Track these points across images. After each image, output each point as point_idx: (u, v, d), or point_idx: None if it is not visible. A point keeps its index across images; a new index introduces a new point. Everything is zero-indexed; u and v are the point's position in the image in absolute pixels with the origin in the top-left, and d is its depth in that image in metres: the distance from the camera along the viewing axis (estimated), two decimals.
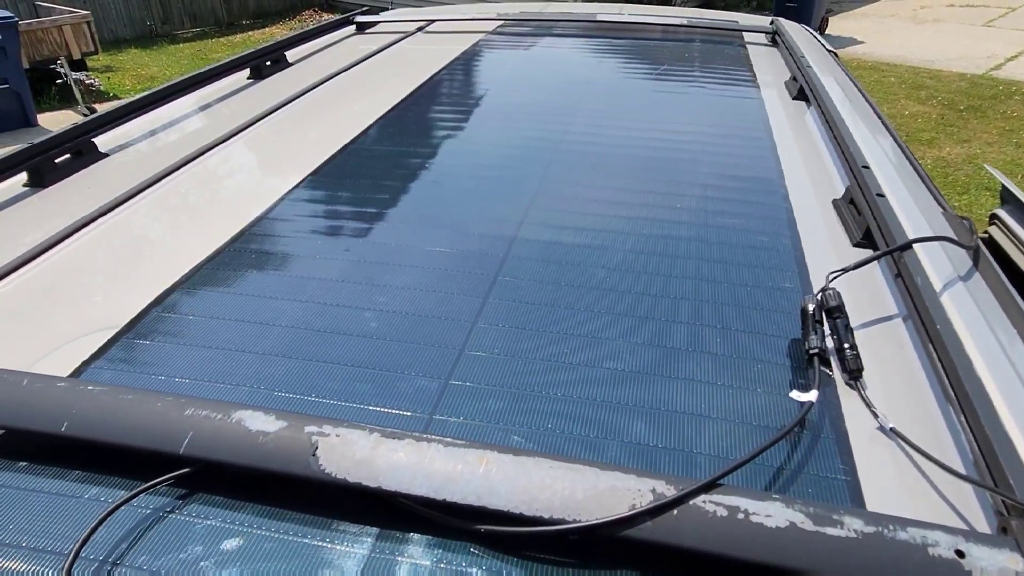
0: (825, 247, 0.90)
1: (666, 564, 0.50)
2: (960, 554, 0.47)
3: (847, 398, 0.66)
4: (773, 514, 0.49)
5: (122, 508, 0.53)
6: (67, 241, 0.93)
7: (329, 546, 0.52)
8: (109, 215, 0.99)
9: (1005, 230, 1.15)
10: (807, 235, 0.93)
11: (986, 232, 1.21)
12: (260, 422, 0.56)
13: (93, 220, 0.97)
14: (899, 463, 0.60)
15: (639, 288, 0.82)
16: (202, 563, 0.50)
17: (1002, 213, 1.17)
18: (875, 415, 0.64)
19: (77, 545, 0.48)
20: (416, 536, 0.52)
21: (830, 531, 0.48)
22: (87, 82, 5.58)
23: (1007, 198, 1.17)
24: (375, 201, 1.00)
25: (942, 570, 0.46)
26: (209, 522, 0.53)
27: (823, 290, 0.73)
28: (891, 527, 0.48)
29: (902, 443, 0.61)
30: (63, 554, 0.49)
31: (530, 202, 1.01)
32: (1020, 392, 0.66)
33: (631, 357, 0.71)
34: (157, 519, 0.53)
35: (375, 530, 0.53)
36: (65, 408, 0.57)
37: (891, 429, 0.62)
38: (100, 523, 0.51)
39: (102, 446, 0.56)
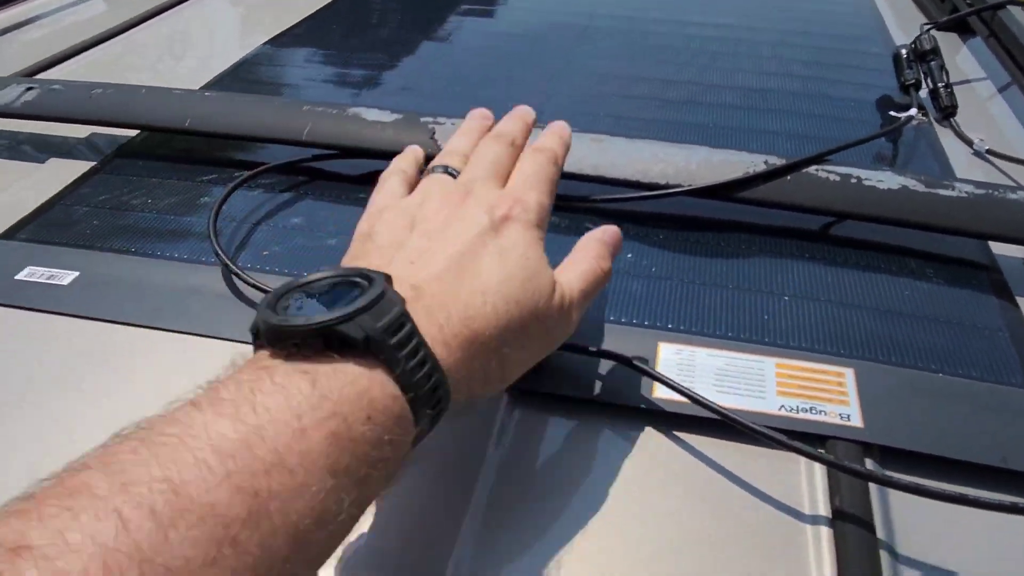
0: (913, 25, 0.89)
1: (780, 223, 0.52)
2: None
3: (943, 133, 0.67)
4: (885, 180, 0.51)
5: (249, 185, 0.56)
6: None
7: None
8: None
9: None
10: (889, 20, 0.91)
11: None
12: (376, 115, 0.57)
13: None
14: (994, 174, 0.61)
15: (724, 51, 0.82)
16: (329, 224, 0.53)
17: None
18: (970, 143, 0.64)
19: (217, 204, 0.51)
20: None
21: (942, 192, 0.50)
22: None
23: None
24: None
25: None
26: (326, 201, 0.56)
27: (916, 37, 0.72)
28: (1000, 191, 0.50)
29: (998, 159, 0.62)
30: (203, 217, 0.51)
31: None
32: None
33: (729, 94, 0.72)
34: (278, 196, 0.56)
35: None
36: (188, 109, 0.59)
37: (987, 151, 0.63)
38: (235, 188, 0.53)
39: (225, 136, 0.59)
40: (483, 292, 0.30)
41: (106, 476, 0.19)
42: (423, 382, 0.26)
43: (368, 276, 0.27)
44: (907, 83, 0.68)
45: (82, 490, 0.19)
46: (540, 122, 0.43)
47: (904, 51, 0.71)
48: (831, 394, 0.40)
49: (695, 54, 0.82)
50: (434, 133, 0.55)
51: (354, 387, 0.24)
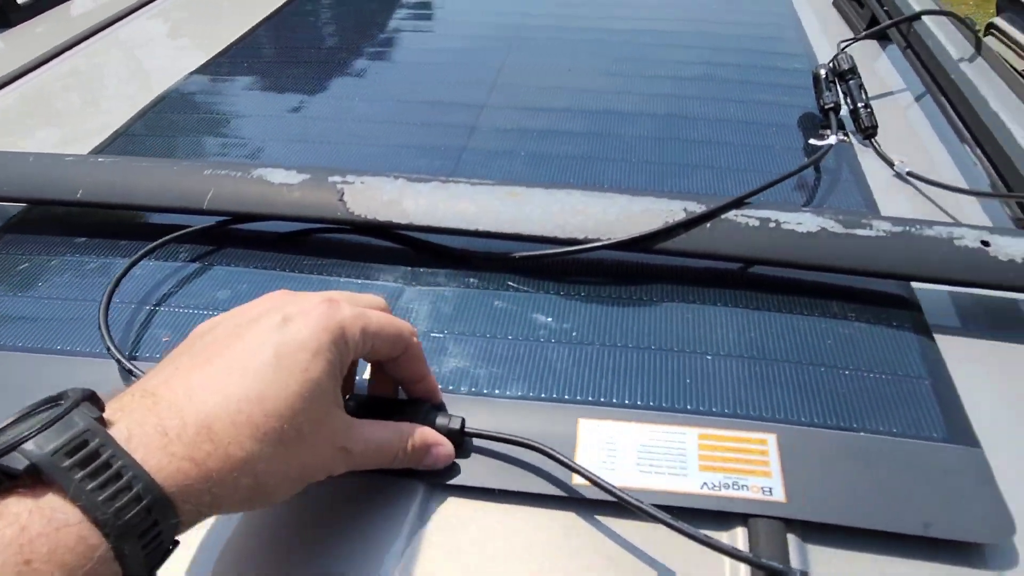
0: (832, 38, 0.89)
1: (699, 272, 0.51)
2: (986, 244, 0.48)
3: (863, 153, 0.67)
4: (804, 222, 0.50)
5: (150, 257, 0.53)
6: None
7: (356, 287, 0.52)
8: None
9: (1003, 37, 1.14)
10: (811, 29, 0.92)
11: None
12: (282, 176, 0.55)
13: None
14: (916, 198, 0.61)
15: (648, 71, 0.81)
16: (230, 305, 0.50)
17: (999, 21, 1.16)
18: (891, 164, 0.64)
19: (110, 287, 0.48)
20: (450, 272, 0.52)
21: (860, 232, 0.49)
22: None
23: (1003, 6, 1.16)
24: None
25: (970, 257, 0.48)
26: (235, 268, 0.53)
27: (835, 56, 0.72)
28: (918, 227, 0.50)
29: (918, 182, 0.62)
30: (96, 300, 0.48)
31: None
32: None
33: (650, 123, 0.71)
34: (183, 267, 0.53)
35: (405, 269, 0.53)
36: (79, 178, 0.56)
37: (908, 173, 0.63)
38: (131, 266, 0.50)
39: (121, 208, 0.55)
40: (237, 398, 0.27)
41: None
42: (124, 506, 0.24)
43: (62, 396, 0.25)
44: (826, 107, 0.67)
45: None
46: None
47: (823, 71, 0.71)
48: (754, 464, 0.39)
49: (613, 78, 0.81)
50: (343, 194, 0.53)
51: (11, 527, 0.22)
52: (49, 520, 0.22)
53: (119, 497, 0.24)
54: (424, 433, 0.36)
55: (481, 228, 0.51)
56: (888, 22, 0.79)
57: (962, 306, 0.50)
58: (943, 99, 0.68)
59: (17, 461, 0.22)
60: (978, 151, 0.60)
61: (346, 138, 0.70)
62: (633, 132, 0.70)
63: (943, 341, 0.47)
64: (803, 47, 0.86)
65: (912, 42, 0.78)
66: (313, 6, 1.05)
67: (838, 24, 0.95)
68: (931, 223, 0.50)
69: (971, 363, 0.46)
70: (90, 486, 0.23)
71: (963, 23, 0.87)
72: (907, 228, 0.49)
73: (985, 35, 1.19)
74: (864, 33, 0.77)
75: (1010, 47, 1.12)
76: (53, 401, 0.25)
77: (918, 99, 0.75)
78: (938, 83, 0.70)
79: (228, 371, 0.28)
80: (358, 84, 0.81)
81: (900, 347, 0.46)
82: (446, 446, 0.37)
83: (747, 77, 0.79)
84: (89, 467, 0.23)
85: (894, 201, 0.60)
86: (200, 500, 0.26)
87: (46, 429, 0.23)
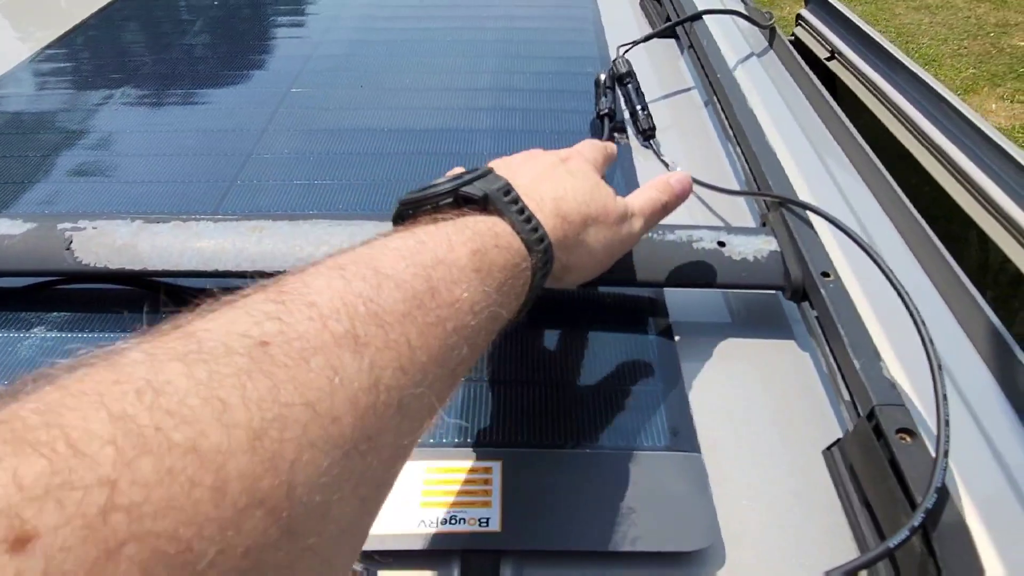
0: (629, 38, 0.91)
1: None
2: (721, 244, 0.50)
3: (641, 155, 0.68)
4: None
5: None
6: None
7: (91, 342, 0.48)
8: None
9: (808, 28, 1.20)
10: (612, 36, 0.93)
11: (793, 35, 1.26)
12: (5, 227, 0.50)
13: None
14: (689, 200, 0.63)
15: (439, 83, 0.80)
16: None
17: (805, 12, 1.22)
18: (666, 164, 0.66)
19: None
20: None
21: None
22: None
23: None
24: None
25: (706, 257, 0.49)
26: None
27: (614, 61, 0.73)
28: (660, 232, 0.50)
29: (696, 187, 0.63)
30: None
31: None
32: (789, 121, 0.69)
33: (434, 140, 0.70)
34: None
35: (155, 316, 0.50)
36: None
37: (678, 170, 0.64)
38: None
39: None
40: (564, 189, 0.38)
41: (323, 266, 0.26)
42: (532, 233, 0.33)
43: (477, 168, 0.36)
44: (601, 113, 0.68)
45: (307, 270, 0.26)
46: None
47: (603, 76, 0.72)
48: (475, 495, 0.38)
49: (403, 94, 0.79)
50: (71, 243, 0.49)
51: (484, 224, 0.32)
52: (491, 232, 0.32)
53: (534, 233, 0.33)
54: (661, 176, 0.46)
55: (220, 268, 0.49)
56: (665, 24, 0.82)
57: (702, 307, 0.51)
58: (715, 99, 0.70)
59: (476, 190, 0.33)
60: (738, 148, 0.62)
61: (107, 175, 0.66)
62: (416, 149, 0.69)
63: (683, 344, 0.48)
64: (599, 50, 0.88)
65: (693, 42, 0.80)
66: (94, 33, 0.99)
67: (642, 24, 0.97)
68: (673, 227, 0.51)
69: (705, 364, 0.47)
70: (519, 219, 0.33)
71: (751, 20, 0.91)
72: (649, 235, 0.50)
73: (796, 26, 1.25)
74: (641, 37, 0.79)
75: (815, 38, 1.17)
76: (470, 169, 0.36)
77: (699, 100, 0.77)
78: (711, 83, 0.72)
79: (557, 180, 0.38)
80: (129, 114, 0.77)
81: (642, 355, 0.47)
82: (682, 174, 0.47)
83: (540, 85, 0.80)
84: (515, 206, 0.34)
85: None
86: (559, 261, 0.36)
87: (483, 178, 0.34)
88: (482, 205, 0.33)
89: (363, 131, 0.71)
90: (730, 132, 0.65)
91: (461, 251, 0.30)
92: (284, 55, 0.88)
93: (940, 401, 0.37)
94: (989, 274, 0.84)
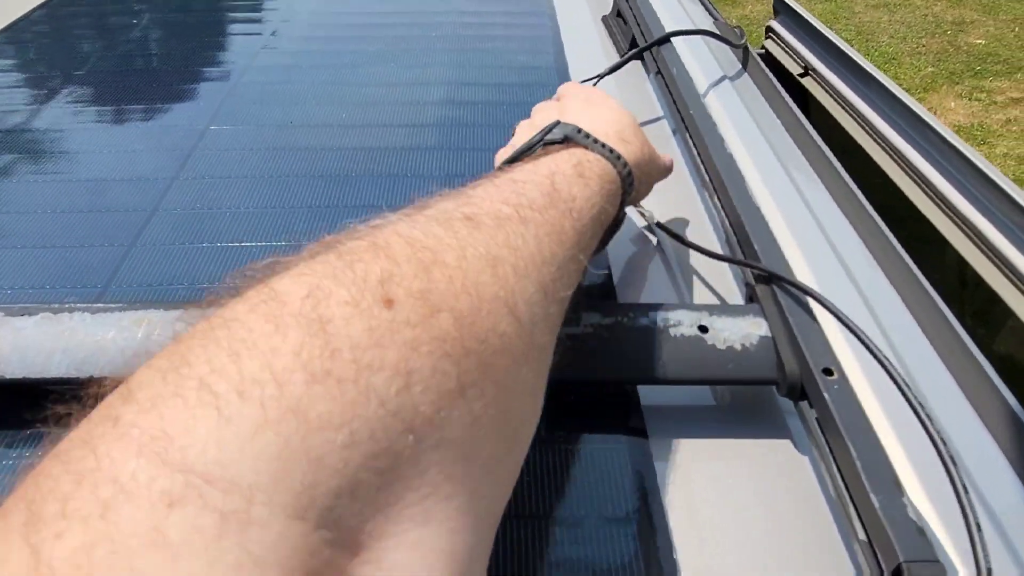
0: (594, 61, 0.83)
1: None
2: (703, 329, 0.42)
3: None
4: None
5: None
6: None
7: None
8: None
9: (779, 41, 1.13)
10: (572, 53, 0.85)
11: (763, 47, 1.20)
12: None
13: None
14: (652, 253, 0.55)
15: (386, 134, 0.71)
16: None
17: (775, 24, 1.16)
18: (642, 214, 0.58)
19: None
20: None
21: (569, 330, 0.42)
22: None
23: (778, 8, 1.15)
24: None
25: (685, 346, 0.41)
26: None
27: None
28: (631, 314, 0.43)
29: (661, 232, 0.56)
30: None
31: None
32: (775, 170, 0.62)
33: (372, 189, 0.61)
34: None
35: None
36: None
37: (648, 224, 0.57)
38: None
39: None
40: (615, 121, 0.44)
41: (472, 184, 0.34)
42: (610, 152, 0.41)
43: (545, 125, 0.42)
44: None
45: (460, 190, 0.33)
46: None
47: None
48: None
49: (340, 131, 0.70)
50: None
51: (574, 153, 0.39)
52: (583, 155, 0.39)
53: (611, 153, 0.41)
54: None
55: (96, 373, 0.39)
56: (633, 51, 0.74)
57: (679, 397, 0.43)
58: (688, 136, 0.63)
59: (555, 134, 0.41)
60: (716, 200, 0.55)
61: None
62: (356, 200, 0.60)
63: (658, 446, 0.40)
64: (558, 74, 0.80)
65: (661, 68, 0.72)
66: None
67: (605, 42, 0.89)
68: (647, 308, 0.43)
69: (684, 473, 0.39)
70: (596, 146, 0.40)
71: (723, 40, 0.83)
72: (619, 319, 0.42)
73: (765, 38, 1.19)
74: (606, 70, 0.71)
75: (786, 51, 1.11)
76: (545, 128, 0.42)
77: (667, 129, 0.70)
78: (682, 116, 0.65)
79: (605, 111, 0.45)
80: (7, 162, 0.66)
81: (606, 464, 0.39)
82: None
83: (492, 111, 0.72)
84: (590, 138, 0.41)
85: (628, 255, 0.54)
86: (635, 181, 0.43)
87: (557, 127, 0.41)
88: (565, 146, 0.40)
89: (294, 177, 0.62)
90: (706, 178, 0.58)
91: (565, 166, 0.38)
92: (203, 84, 0.78)
93: (978, 552, 0.30)
94: (968, 306, 0.79)
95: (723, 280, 0.53)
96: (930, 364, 0.47)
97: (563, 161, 0.38)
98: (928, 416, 0.35)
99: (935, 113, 3.17)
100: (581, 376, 0.41)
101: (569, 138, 0.40)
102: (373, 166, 0.64)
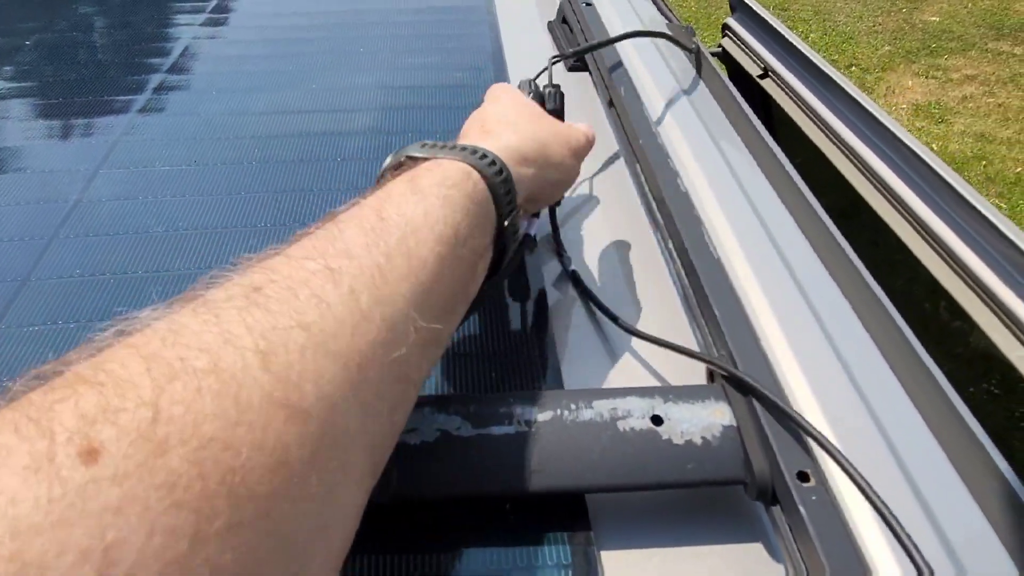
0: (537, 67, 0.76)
1: None
2: (657, 420, 0.36)
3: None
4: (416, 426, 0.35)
5: None
6: None
7: None
8: None
9: (736, 40, 1.08)
10: (514, 63, 0.78)
11: (720, 45, 1.14)
12: None
13: None
14: (594, 321, 0.49)
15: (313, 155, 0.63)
16: None
17: (732, 22, 1.10)
18: (568, 261, 0.52)
19: None
20: None
21: (494, 431, 0.35)
22: None
23: (735, 5, 1.10)
24: None
25: (636, 443, 0.35)
26: None
27: None
28: (574, 407, 0.36)
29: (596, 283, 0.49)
30: None
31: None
32: (735, 195, 0.56)
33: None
34: None
35: None
36: None
37: (572, 272, 0.50)
38: None
39: None
40: (526, 135, 0.42)
41: (298, 235, 0.30)
42: (468, 153, 0.37)
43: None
44: None
45: (288, 243, 0.29)
46: None
47: None
48: None
49: (248, 168, 0.62)
50: None
51: (401, 175, 0.35)
52: (412, 176, 0.35)
53: (472, 152, 0.37)
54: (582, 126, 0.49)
55: None
56: (576, 48, 0.67)
57: (637, 508, 0.37)
58: (637, 165, 0.56)
59: (385, 164, 0.38)
60: (676, 262, 0.48)
61: None
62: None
63: (609, 559, 0.34)
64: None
65: (609, 86, 0.66)
66: None
67: (552, 53, 0.82)
68: (591, 395, 0.37)
69: None
70: (442, 149, 0.37)
71: (675, 42, 0.77)
72: (558, 412, 0.36)
73: (722, 36, 1.13)
74: (545, 68, 0.64)
75: (743, 50, 1.05)
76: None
77: (611, 158, 0.63)
78: (630, 142, 0.58)
79: (490, 106, 0.44)
80: None
81: None
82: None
83: (427, 125, 0.65)
84: (432, 143, 0.38)
85: (563, 319, 0.48)
86: (519, 166, 0.39)
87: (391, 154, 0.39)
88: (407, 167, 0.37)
89: (192, 233, 0.55)
90: (660, 221, 0.51)
91: (398, 186, 0.34)
92: (98, 118, 0.69)
93: None
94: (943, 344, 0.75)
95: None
96: (915, 430, 0.42)
97: (396, 183, 0.34)
98: (915, 545, 0.29)
99: (893, 92, 3.16)
100: (511, 488, 0.34)
101: (411, 157, 0.37)
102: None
